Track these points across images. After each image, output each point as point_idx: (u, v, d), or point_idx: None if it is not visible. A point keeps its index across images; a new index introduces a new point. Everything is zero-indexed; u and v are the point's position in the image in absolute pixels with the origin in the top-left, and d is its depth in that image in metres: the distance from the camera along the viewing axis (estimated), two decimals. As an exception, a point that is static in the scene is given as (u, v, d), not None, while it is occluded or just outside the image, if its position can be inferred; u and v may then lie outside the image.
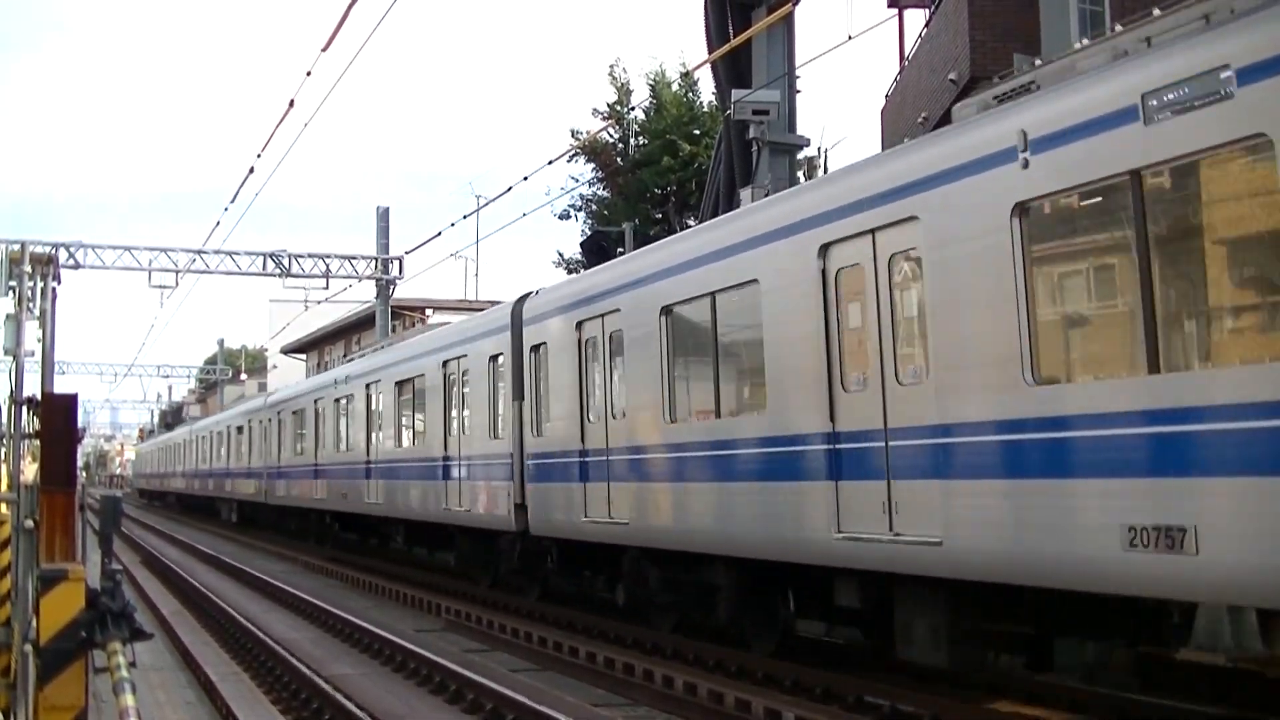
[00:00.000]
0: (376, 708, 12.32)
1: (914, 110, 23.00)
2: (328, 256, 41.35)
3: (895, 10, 26.41)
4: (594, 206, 42.89)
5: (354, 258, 41.89)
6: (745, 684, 12.52)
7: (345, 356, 61.86)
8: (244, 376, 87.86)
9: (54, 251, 22.52)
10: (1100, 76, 8.89)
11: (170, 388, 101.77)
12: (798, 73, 23.27)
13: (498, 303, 23.29)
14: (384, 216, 42.30)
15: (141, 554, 35.67)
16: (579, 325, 16.43)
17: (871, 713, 11.12)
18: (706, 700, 12.11)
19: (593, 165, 42.87)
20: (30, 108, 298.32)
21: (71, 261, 37.86)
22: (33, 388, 9.88)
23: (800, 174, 22.27)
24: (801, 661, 12.94)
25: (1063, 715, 10.51)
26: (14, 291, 10.13)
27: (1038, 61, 10.22)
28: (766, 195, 15.30)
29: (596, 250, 25.89)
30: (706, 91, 39.40)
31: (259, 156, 27.47)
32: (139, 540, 41.27)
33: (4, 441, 10.02)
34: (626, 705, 12.78)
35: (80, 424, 9.99)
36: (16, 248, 10.97)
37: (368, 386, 27.04)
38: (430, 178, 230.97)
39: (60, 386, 11.07)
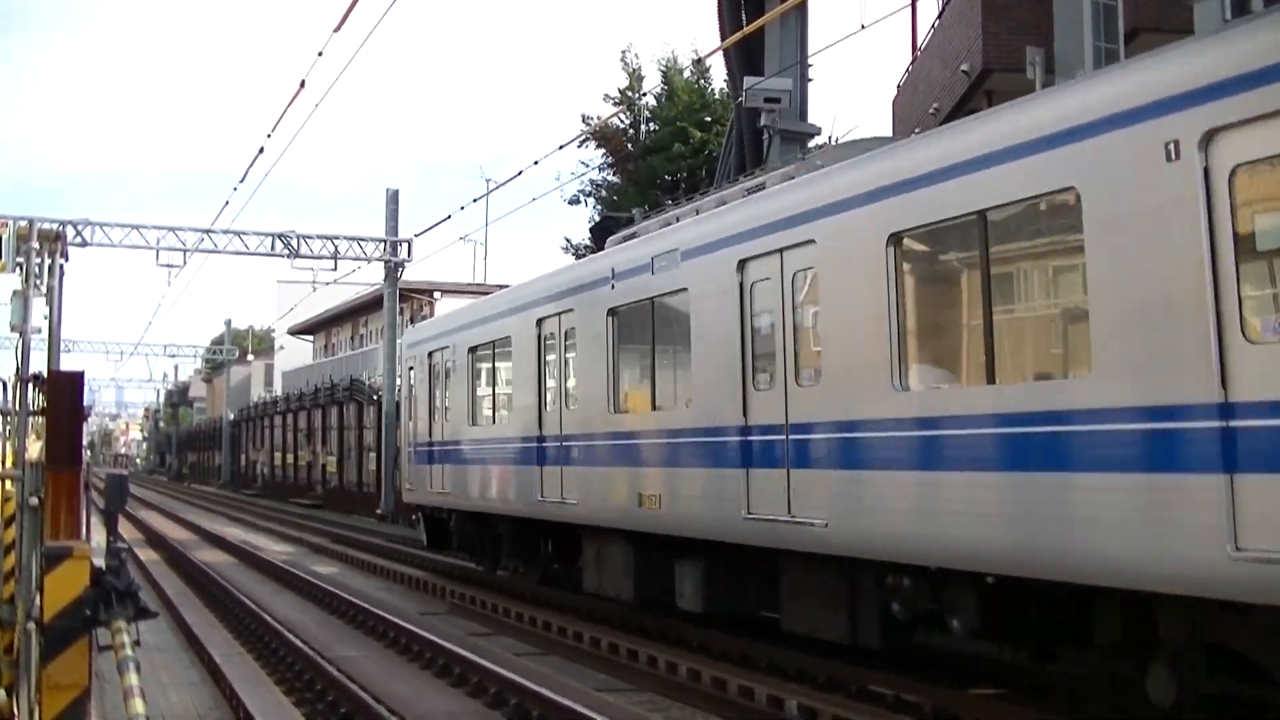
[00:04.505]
0: (380, 690, 12.33)
1: (926, 101, 22.92)
2: (336, 238, 41.32)
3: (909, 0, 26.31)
4: (604, 192, 42.86)
5: (363, 240, 41.84)
6: (749, 671, 12.52)
7: (353, 339, 61.79)
8: (250, 357, 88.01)
9: (62, 229, 22.53)
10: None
11: (176, 367, 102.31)
12: (810, 61, 23.20)
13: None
14: (393, 199, 42.23)
15: (147, 533, 35.74)
16: None
17: (875, 702, 11.11)
18: (710, 687, 12.12)
19: (603, 151, 42.85)
20: (40, 87, 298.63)
21: (79, 239, 37.78)
22: (39, 365, 9.88)
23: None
24: (805, 651, 12.92)
25: (1063, 708, 10.48)
26: (22, 268, 10.12)
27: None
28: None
29: (606, 236, 25.69)
30: (718, 79, 39.41)
31: (269, 137, 27.53)
32: (143, 520, 41.35)
33: (10, 419, 10.00)
34: (630, 691, 12.77)
35: (86, 402, 9.97)
36: (25, 224, 10.96)
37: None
38: (440, 161, 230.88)
39: (66, 364, 11.07)
